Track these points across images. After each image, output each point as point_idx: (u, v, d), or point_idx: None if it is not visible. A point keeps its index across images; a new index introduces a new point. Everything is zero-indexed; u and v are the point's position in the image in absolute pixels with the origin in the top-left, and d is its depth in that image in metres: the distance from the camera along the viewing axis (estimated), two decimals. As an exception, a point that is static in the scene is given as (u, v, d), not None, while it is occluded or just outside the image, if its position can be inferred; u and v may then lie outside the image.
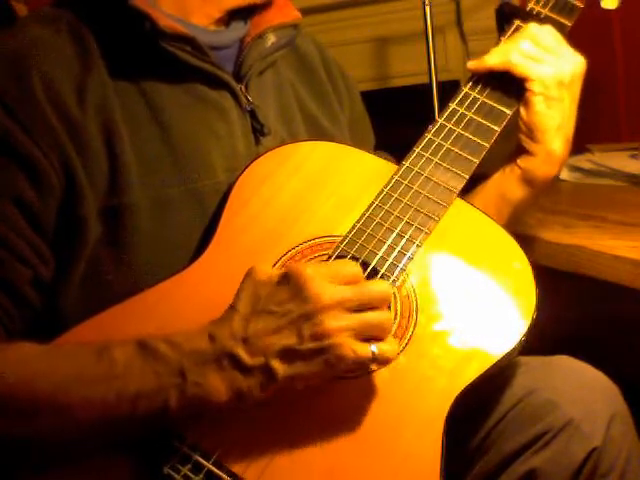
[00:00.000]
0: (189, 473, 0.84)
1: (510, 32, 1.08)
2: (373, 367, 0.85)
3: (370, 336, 0.82)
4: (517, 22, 1.08)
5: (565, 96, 1.04)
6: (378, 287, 0.85)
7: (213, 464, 0.84)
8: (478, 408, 1.00)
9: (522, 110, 1.05)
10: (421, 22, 2.00)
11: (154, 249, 0.95)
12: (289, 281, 0.82)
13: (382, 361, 0.83)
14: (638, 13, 1.83)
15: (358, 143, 1.17)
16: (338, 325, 0.81)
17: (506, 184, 1.10)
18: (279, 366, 0.81)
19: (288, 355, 0.81)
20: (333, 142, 1.07)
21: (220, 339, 0.83)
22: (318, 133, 1.14)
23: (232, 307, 0.84)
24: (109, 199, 0.93)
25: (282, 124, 1.09)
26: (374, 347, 0.82)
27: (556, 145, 1.05)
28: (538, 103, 1.03)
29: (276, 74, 1.12)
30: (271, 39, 1.07)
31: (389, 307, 0.91)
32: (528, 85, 1.03)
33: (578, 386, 0.97)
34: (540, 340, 0.94)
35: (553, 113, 1.04)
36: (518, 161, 1.08)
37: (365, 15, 2.59)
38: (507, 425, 0.99)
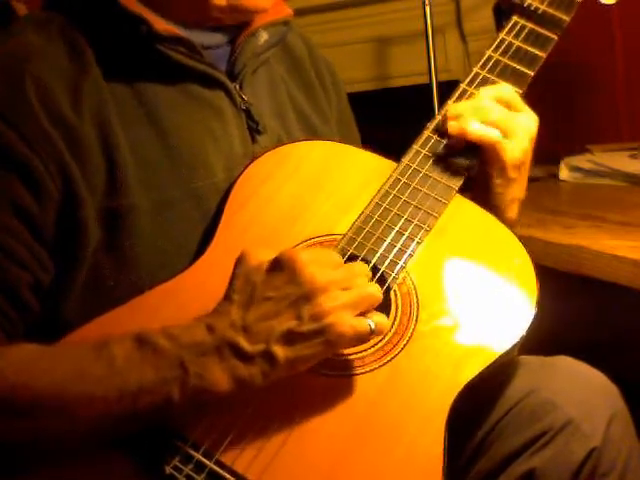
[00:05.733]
0: (191, 472, 0.83)
1: (506, 30, 1.07)
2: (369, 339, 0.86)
3: (361, 311, 0.84)
4: (515, 18, 1.09)
5: (522, 172, 1.03)
6: (359, 266, 0.88)
7: (215, 463, 0.83)
8: (478, 408, 1.00)
9: (476, 187, 1.03)
10: (421, 22, 2.00)
11: (155, 251, 0.94)
12: (283, 266, 0.83)
13: (378, 333, 0.85)
14: (638, 13, 1.83)
15: (346, 141, 1.16)
16: (335, 304, 0.82)
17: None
18: (280, 350, 0.82)
19: (289, 338, 0.82)
20: (332, 141, 1.07)
21: (219, 329, 0.83)
22: (310, 131, 1.13)
23: (227, 296, 0.84)
24: (108, 201, 0.93)
25: (277, 121, 1.09)
26: (370, 321, 0.84)
27: (511, 213, 1.05)
28: (497, 186, 1.02)
29: (268, 71, 1.11)
30: (264, 36, 1.06)
31: (389, 303, 0.92)
32: (489, 168, 1.01)
33: (578, 386, 0.97)
34: (540, 340, 0.94)
35: (509, 191, 1.03)
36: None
37: (365, 15, 2.58)
38: (507, 425, 0.98)
